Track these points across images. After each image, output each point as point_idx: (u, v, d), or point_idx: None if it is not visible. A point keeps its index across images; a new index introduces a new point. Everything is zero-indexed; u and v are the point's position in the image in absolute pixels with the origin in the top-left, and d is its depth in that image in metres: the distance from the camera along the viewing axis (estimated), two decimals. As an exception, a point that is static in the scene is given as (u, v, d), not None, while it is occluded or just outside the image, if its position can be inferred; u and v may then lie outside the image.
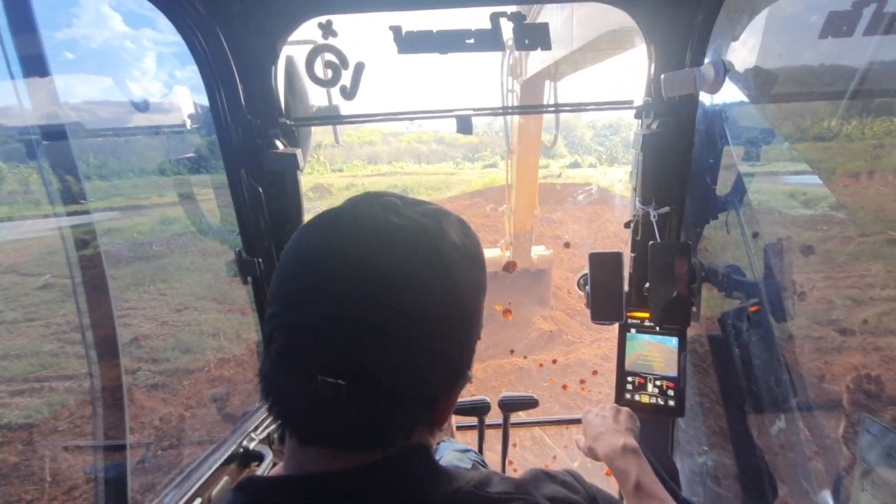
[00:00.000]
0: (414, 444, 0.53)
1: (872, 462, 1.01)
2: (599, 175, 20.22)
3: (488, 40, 1.24)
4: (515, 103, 6.51)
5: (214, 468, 1.29)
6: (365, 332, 0.46)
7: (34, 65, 0.98)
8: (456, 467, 0.99)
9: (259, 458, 1.44)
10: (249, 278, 1.40)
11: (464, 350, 0.52)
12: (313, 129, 1.48)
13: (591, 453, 1.07)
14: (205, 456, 1.35)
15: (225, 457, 1.33)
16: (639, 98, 1.39)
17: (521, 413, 1.65)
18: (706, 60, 1.28)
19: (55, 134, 1.04)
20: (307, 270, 0.48)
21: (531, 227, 9.16)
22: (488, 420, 1.61)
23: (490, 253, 9.45)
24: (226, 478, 1.32)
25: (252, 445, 1.44)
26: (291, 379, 0.48)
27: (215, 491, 1.27)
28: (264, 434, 1.49)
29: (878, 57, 1.13)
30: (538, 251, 10.12)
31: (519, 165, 8.13)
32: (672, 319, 1.41)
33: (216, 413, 1.63)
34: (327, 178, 21.61)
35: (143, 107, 1.39)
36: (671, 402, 1.42)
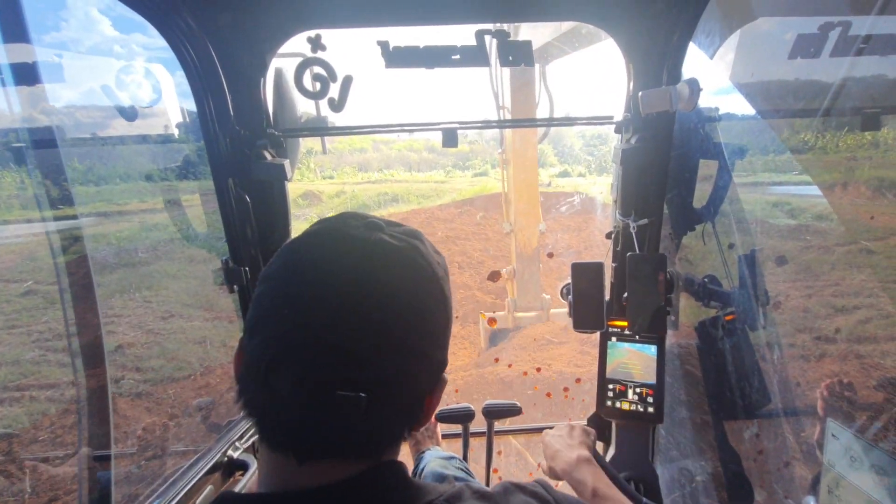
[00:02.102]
0: (387, 459, 0.55)
1: (838, 466, 1.05)
2: (588, 184, 20.42)
3: (474, 56, 1.28)
4: (506, 114, 6.55)
5: (198, 477, 1.29)
6: (372, 343, 0.47)
7: (24, 70, 0.99)
8: (440, 475, 1.01)
9: (244, 466, 1.44)
10: (236, 287, 1.41)
11: (445, 351, 0.56)
12: (301, 138, 1.50)
13: (552, 473, 1.10)
14: (189, 465, 1.34)
15: (209, 466, 1.33)
16: (619, 114, 1.44)
17: (505, 421, 1.68)
18: (682, 79, 1.33)
19: (44, 140, 1.04)
20: (303, 287, 0.49)
21: (537, 244, 8.38)
22: (473, 428, 1.63)
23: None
24: (210, 487, 1.32)
25: (237, 454, 1.44)
26: (286, 394, 0.48)
27: (199, 500, 1.26)
28: (248, 443, 1.49)
29: (845, 76, 1.19)
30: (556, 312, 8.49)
31: (516, 176, 7.73)
32: (650, 328, 1.45)
33: (200, 422, 1.63)
34: (317, 185, 21.52)
35: (130, 114, 1.40)
36: (650, 409, 1.45)
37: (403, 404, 0.52)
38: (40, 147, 1.04)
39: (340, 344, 0.47)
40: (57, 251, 1.10)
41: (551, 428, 1.23)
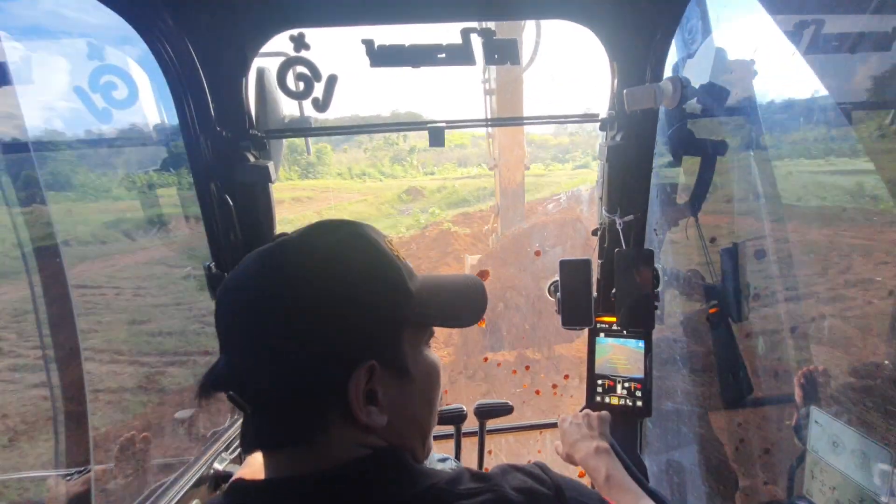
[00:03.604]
0: (390, 446, 0.56)
1: (821, 451, 1.09)
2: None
3: (460, 55, 1.27)
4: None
5: (184, 492, 1.25)
6: (242, 349, 0.54)
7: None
8: None
9: (230, 479, 1.40)
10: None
11: (326, 342, 0.53)
12: (285, 140, 1.47)
13: (569, 459, 1.15)
14: (174, 479, 1.30)
15: (195, 479, 1.29)
16: (603, 111, 1.46)
17: (496, 420, 1.68)
18: (665, 76, 1.35)
19: (15, 145, 1.00)
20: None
21: (521, 179, 8.36)
22: (465, 428, 1.63)
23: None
24: (196, 501, 1.28)
25: (223, 466, 1.40)
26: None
27: None
28: (235, 454, 1.45)
29: (821, 73, 1.23)
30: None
31: (501, 109, 7.35)
32: (637, 323, 1.47)
33: (184, 433, 1.58)
34: (420, 180, 21.96)
35: (105, 116, 1.34)
36: (639, 403, 1.48)
37: (298, 397, 0.53)
38: (11, 151, 0.99)
39: (230, 357, 0.54)
40: (30, 256, 1.05)
41: (543, 426, 1.25)
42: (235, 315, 0.54)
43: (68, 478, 1.16)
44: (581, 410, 1.30)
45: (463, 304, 0.68)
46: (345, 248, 0.57)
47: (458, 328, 0.68)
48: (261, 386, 0.52)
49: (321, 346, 0.52)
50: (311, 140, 1.60)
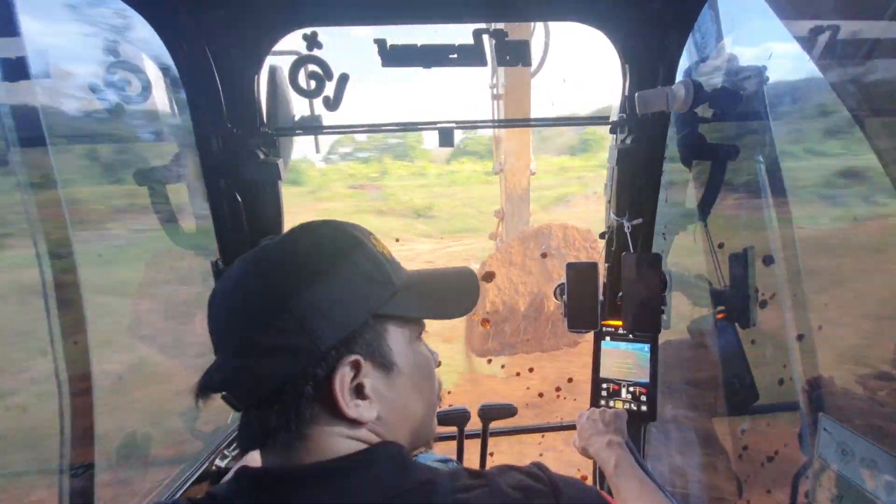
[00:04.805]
0: (389, 441, 0.58)
1: (829, 458, 1.08)
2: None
3: (471, 55, 1.27)
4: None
5: (185, 488, 1.25)
6: (224, 347, 0.56)
7: (13, 65, 0.95)
8: None
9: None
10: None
11: (300, 337, 0.53)
12: (294, 138, 1.48)
13: (584, 452, 1.21)
14: (175, 475, 1.31)
15: (196, 475, 1.30)
16: (614, 114, 1.45)
17: (499, 422, 1.67)
18: (678, 79, 1.35)
19: (33, 138, 1.01)
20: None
21: (527, 185, 8.18)
22: (468, 430, 1.62)
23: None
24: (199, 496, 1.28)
25: (224, 463, 1.40)
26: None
27: None
28: (237, 451, 1.45)
29: (836, 80, 1.22)
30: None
31: (508, 113, 7.21)
32: (644, 327, 1.47)
33: (186, 430, 1.58)
34: None
35: (118, 111, 1.36)
36: (644, 408, 1.47)
37: (283, 394, 0.54)
38: (29, 144, 1.00)
39: (222, 359, 0.56)
40: (43, 253, 1.06)
41: (547, 430, 1.26)
42: (223, 318, 0.56)
43: (73, 473, 1.17)
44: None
45: (453, 296, 0.70)
46: (324, 247, 0.59)
47: (447, 320, 0.69)
48: (249, 385, 0.54)
49: (304, 343, 0.53)
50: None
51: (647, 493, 0.95)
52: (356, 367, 0.55)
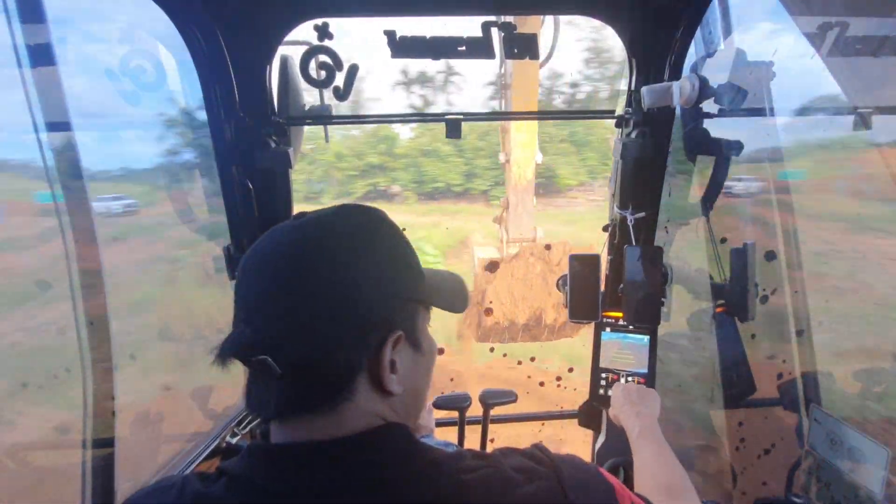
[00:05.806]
0: (394, 422, 0.60)
1: (819, 448, 1.11)
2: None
3: (479, 48, 1.29)
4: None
5: (196, 464, 1.30)
6: (278, 326, 0.54)
7: (39, 52, 0.98)
8: None
9: None
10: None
11: (369, 313, 0.57)
12: (305, 128, 1.50)
13: (616, 420, 1.26)
14: (187, 451, 1.35)
15: (207, 452, 1.34)
16: (620, 108, 1.46)
17: (500, 409, 1.71)
18: (684, 75, 1.36)
19: (59, 124, 1.04)
20: (239, 279, 0.59)
21: (532, 176, 8.03)
22: (469, 416, 1.66)
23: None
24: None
25: (235, 440, 1.45)
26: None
27: None
28: (247, 429, 1.50)
29: (844, 76, 1.22)
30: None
31: (516, 103, 7.08)
32: (644, 319, 1.49)
33: (199, 408, 1.63)
34: None
35: (134, 98, 1.39)
36: (642, 397, 1.50)
37: (332, 363, 0.55)
38: (55, 129, 1.04)
39: (256, 327, 0.54)
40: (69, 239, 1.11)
41: (547, 417, 1.29)
42: (264, 286, 0.56)
43: (93, 447, 1.22)
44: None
45: (457, 292, 0.75)
46: (373, 229, 0.62)
47: (453, 313, 0.74)
48: (294, 353, 0.53)
49: (362, 312, 0.56)
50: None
51: (664, 455, 1.00)
52: (397, 342, 0.58)
